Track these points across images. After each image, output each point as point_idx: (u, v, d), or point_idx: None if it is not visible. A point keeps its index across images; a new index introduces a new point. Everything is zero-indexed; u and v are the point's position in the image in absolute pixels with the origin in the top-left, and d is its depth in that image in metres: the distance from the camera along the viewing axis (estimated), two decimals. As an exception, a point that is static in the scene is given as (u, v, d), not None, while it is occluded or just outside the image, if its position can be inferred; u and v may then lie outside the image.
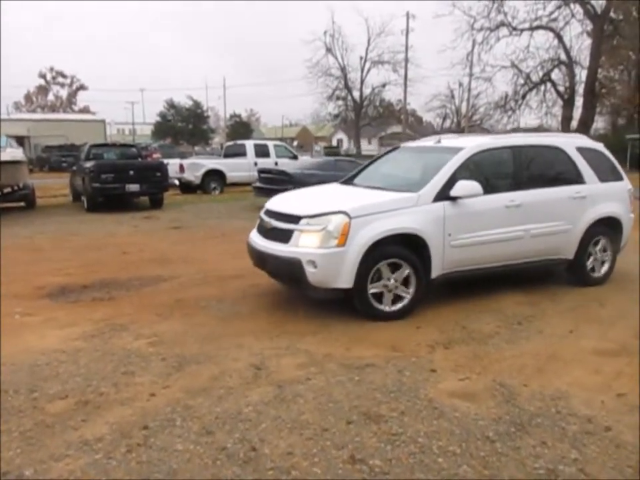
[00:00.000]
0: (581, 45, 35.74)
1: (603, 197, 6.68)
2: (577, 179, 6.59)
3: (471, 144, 6.11)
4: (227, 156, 20.44)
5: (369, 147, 63.45)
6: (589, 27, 34.42)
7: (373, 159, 7.67)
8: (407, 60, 43.37)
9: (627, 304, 5.90)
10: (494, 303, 5.87)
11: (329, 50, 57.75)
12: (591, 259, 6.67)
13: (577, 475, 2.89)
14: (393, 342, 4.74)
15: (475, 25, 35.75)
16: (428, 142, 7.02)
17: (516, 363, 4.32)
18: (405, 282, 5.34)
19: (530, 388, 3.86)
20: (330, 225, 5.09)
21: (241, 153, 20.10)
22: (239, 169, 19.42)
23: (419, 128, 75.34)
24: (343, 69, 59.22)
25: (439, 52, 70.54)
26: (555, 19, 34.75)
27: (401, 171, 6.83)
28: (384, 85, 59.26)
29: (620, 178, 7.08)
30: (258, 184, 14.65)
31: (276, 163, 18.92)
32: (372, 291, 5.22)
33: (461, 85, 53.16)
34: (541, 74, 36.16)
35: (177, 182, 18.65)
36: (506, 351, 4.55)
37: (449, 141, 6.66)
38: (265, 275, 6.10)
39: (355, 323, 5.20)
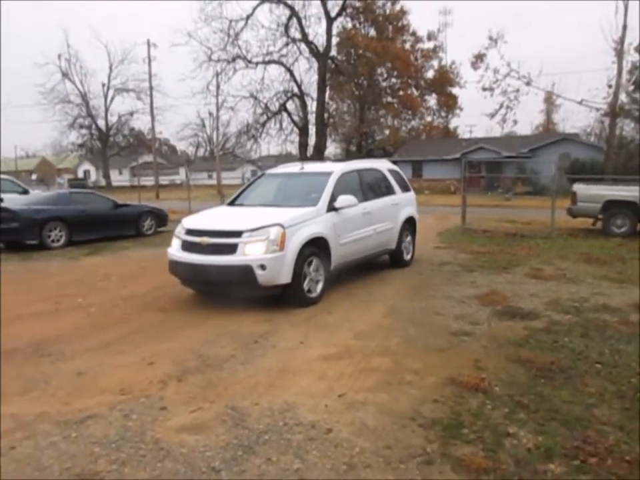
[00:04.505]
0: (310, 79, 39.70)
1: (405, 203, 9.28)
2: (391, 191, 8.99)
3: (336, 168, 8.02)
4: None
5: (120, 178, 59.94)
6: (315, 64, 38.42)
7: (246, 185, 8.89)
8: (151, 88, 42.41)
9: (351, 309, 6.50)
10: (232, 324, 5.88)
11: (65, 75, 53.45)
12: (403, 247, 9.12)
13: (298, 485, 2.93)
14: (121, 384, 4.32)
15: (212, 56, 36.74)
16: (292, 168, 8.76)
17: (249, 383, 4.31)
18: (318, 273, 6.87)
19: (260, 406, 3.86)
20: (271, 235, 6.32)
21: (-48, 189, 16.85)
22: (-53, 208, 16.22)
23: (173, 157, 74.54)
24: (83, 96, 55.38)
25: (179, 80, 71.14)
26: (285, 55, 37.90)
27: (284, 191, 8.14)
28: (131, 114, 57.18)
29: (409, 189, 9.77)
30: (-26, 224, 12.42)
31: (0, 199, 16.37)
32: (305, 283, 6.63)
33: (210, 114, 54.27)
34: (277, 104, 38.95)
35: None
36: (240, 373, 4.52)
37: (311, 166, 8.77)
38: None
39: (76, 372, 4.62)
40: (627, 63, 28.91)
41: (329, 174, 7.70)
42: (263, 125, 38.92)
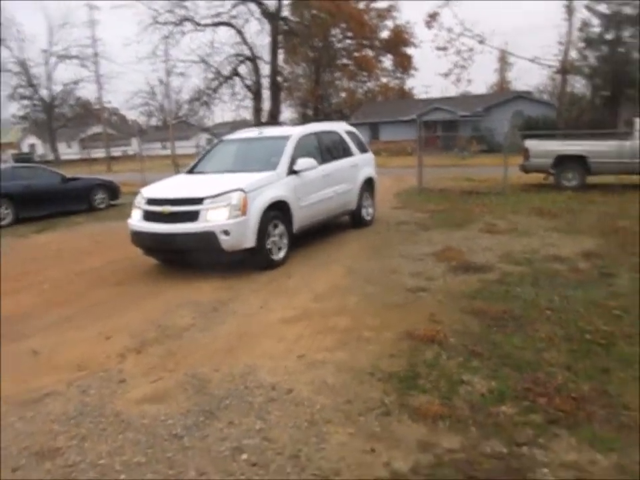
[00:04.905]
0: (262, 41, 38.72)
1: (363, 164, 9.40)
2: (349, 153, 9.09)
3: (294, 132, 8.06)
4: None
5: (69, 151, 57.58)
6: (267, 25, 37.43)
7: (205, 152, 8.94)
8: (96, 54, 40.59)
9: (310, 272, 6.53)
10: (191, 293, 5.84)
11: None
12: (363, 207, 9.26)
13: (260, 444, 2.97)
14: (78, 361, 4.25)
15: (158, 18, 35.24)
16: (250, 133, 8.79)
17: (209, 350, 4.31)
18: (281, 236, 6.96)
19: (221, 372, 3.88)
20: (233, 200, 6.34)
21: None
22: None
23: (124, 127, 72.03)
24: (22, 64, 52.46)
25: (125, 45, 67.93)
26: (235, 17, 36.68)
27: (243, 156, 8.09)
28: (76, 82, 54.65)
29: (367, 150, 9.90)
30: None
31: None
32: (269, 246, 6.70)
33: (161, 81, 52.41)
34: (229, 69, 37.94)
35: None
36: (200, 341, 4.51)
37: (269, 131, 8.79)
38: None
39: (31, 351, 4.52)
40: (578, 20, 29.33)
41: (287, 137, 7.76)
42: (215, 90, 37.91)
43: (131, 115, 75.72)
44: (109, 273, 7.07)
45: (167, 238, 6.50)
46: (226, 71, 37.75)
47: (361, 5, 49.22)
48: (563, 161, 13.26)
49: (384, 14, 50.73)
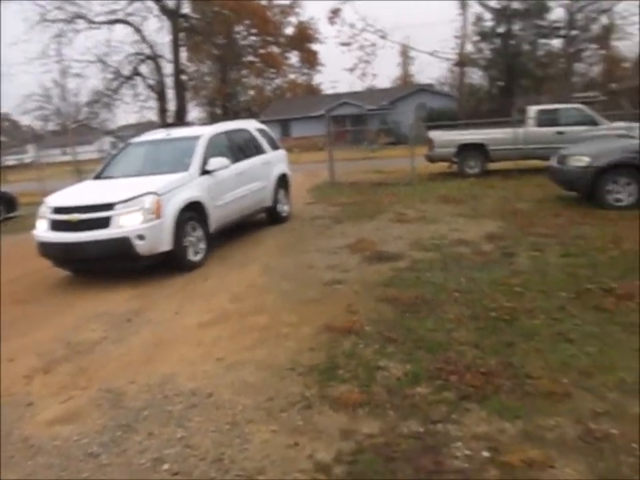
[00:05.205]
0: (163, 39, 37.17)
1: (276, 161, 9.48)
2: (261, 150, 9.12)
3: (205, 132, 8.00)
4: None
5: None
6: (167, 23, 36.19)
7: (112, 157, 8.76)
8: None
9: (226, 272, 6.46)
10: (102, 305, 5.58)
11: None
12: (278, 203, 9.29)
13: (182, 452, 2.91)
14: (-22, 387, 3.93)
15: (47, 16, 32.71)
16: (159, 134, 8.61)
17: (123, 362, 4.15)
18: (198, 238, 6.90)
19: (137, 383, 3.74)
20: (146, 204, 6.21)
21: None
22: None
23: (17, 133, 67.29)
24: None
25: (11, 45, 62.96)
26: (131, 14, 34.94)
27: (153, 158, 7.91)
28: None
29: (279, 147, 10.05)
30: None
31: None
32: (186, 248, 6.62)
33: (56, 83, 49.32)
34: (129, 68, 36.21)
35: None
36: (113, 353, 4.33)
37: (178, 131, 8.72)
38: None
39: None
40: (472, 14, 30.96)
41: (197, 137, 7.70)
42: (115, 91, 36.11)
43: (25, 120, 70.49)
44: (9, 292, 6.57)
45: (78, 247, 6.25)
46: (126, 70, 35.97)
47: (264, 2, 49.01)
48: (464, 150, 13.98)
49: (287, 10, 50.84)
